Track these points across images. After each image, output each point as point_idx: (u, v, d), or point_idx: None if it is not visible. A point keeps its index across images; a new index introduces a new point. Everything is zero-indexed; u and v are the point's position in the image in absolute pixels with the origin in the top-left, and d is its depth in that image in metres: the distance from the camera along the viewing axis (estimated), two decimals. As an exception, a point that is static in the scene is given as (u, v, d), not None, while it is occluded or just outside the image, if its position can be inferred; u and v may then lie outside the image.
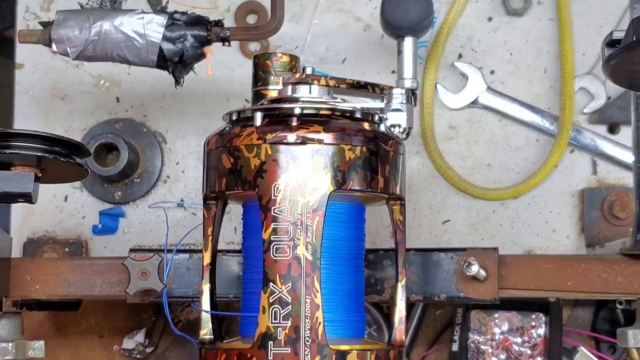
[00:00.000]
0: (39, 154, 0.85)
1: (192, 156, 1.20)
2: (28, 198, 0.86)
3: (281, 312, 0.82)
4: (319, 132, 0.83)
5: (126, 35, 0.95)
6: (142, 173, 1.20)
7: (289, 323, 0.81)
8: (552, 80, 1.19)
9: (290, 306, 0.81)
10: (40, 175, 0.87)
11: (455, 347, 1.07)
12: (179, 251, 0.97)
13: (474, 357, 1.06)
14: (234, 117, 0.88)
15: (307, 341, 0.81)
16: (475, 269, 0.93)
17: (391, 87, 0.93)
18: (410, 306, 1.10)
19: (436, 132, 1.19)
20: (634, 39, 0.71)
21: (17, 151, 0.84)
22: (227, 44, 0.97)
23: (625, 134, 1.17)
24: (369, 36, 1.20)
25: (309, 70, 0.90)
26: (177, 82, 0.97)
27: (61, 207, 1.21)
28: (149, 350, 1.17)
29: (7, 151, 0.84)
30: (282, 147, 0.83)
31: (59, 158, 0.86)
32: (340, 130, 0.84)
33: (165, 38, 0.94)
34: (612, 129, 1.19)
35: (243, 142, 0.84)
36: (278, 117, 0.85)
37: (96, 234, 1.20)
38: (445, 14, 1.19)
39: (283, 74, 0.92)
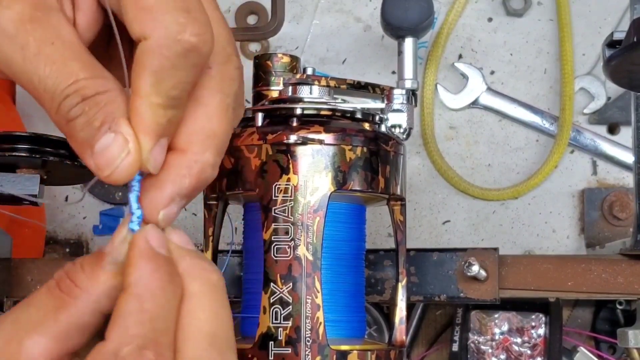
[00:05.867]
0: (44, 156, 0.85)
1: (192, 156, 1.20)
2: (34, 200, 0.87)
3: (282, 312, 0.82)
4: (319, 132, 0.83)
5: (127, 36, 0.95)
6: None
7: (290, 323, 0.81)
8: (552, 81, 1.19)
9: (290, 306, 0.81)
10: (45, 177, 0.88)
11: (455, 348, 1.07)
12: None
13: (474, 357, 1.06)
14: (235, 118, 0.88)
15: (308, 341, 0.81)
16: (475, 269, 0.93)
17: (391, 88, 0.93)
18: (410, 306, 1.10)
19: (436, 132, 1.19)
20: (635, 39, 0.72)
21: (23, 154, 0.85)
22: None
23: (626, 134, 1.17)
24: (370, 37, 1.20)
25: (309, 71, 0.90)
26: (178, 82, 0.97)
27: (62, 207, 1.21)
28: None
29: (13, 154, 0.84)
30: (282, 148, 0.83)
31: (65, 160, 0.86)
32: (340, 130, 0.84)
33: (166, 38, 0.94)
34: (612, 129, 1.19)
35: (244, 143, 0.84)
36: (279, 118, 0.85)
37: (97, 235, 1.20)
38: (446, 14, 1.19)
39: (283, 75, 0.92)
